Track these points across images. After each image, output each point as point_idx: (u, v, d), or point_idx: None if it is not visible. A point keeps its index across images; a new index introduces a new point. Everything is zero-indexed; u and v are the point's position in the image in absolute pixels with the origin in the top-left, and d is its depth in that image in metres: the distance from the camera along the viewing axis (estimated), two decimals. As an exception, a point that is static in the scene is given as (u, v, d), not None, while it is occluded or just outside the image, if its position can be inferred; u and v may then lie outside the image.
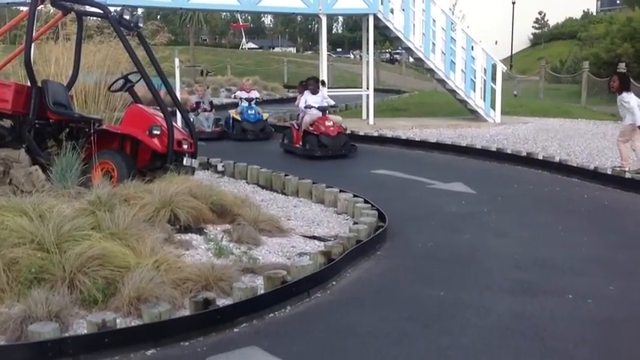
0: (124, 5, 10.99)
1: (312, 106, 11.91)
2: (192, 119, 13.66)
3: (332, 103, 12.53)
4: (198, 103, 14.90)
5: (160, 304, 4.17)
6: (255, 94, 15.25)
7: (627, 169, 9.40)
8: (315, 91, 12.25)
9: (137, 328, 3.98)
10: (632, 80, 16.71)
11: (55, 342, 3.68)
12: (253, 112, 14.50)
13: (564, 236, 6.67)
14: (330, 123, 11.66)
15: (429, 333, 4.32)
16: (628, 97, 9.50)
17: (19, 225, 4.75)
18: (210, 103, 15.19)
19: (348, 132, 12.55)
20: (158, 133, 7.54)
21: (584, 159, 10.77)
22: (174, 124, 7.90)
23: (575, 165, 9.93)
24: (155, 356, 3.86)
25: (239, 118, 14.43)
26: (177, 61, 14.44)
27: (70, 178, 6.41)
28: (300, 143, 11.87)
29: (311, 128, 11.68)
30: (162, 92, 8.72)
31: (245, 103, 14.67)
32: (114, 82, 8.51)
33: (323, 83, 13.07)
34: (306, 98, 12.23)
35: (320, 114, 11.80)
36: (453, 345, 4.14)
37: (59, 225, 4.82)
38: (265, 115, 14.86)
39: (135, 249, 4.88)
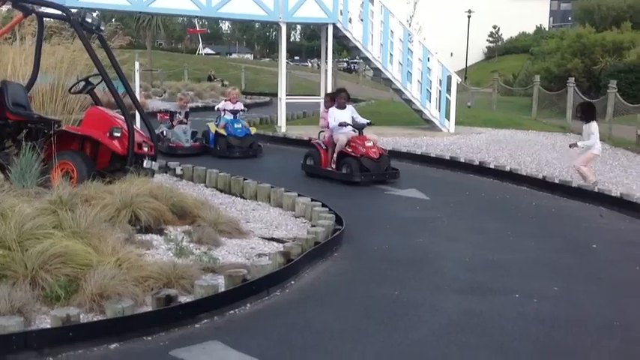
0: (82, 7, 10.98)
1: (347, 124, 10.26)
2: (164, 132, 13.18)
3: (366, 121, 10.56)
4: (172, 114, 13.45)
5: (122, 300, 4.26)
6: (240, 105, 13.43)
7: (595, 181, 9.79)
8: (342, 106, 10.52)
9: (100, 322, 4.06)
10: (581, 95, 17.43)
11: (19, 335, 3.74)
12: (240, 125, 12.82)
13: (513, 241, 6.98)
14: (371, 143, 10.11)
15: (383, 329, 4.52)
16: (594, 128, 9.83)
17: (-21, 223, 4.76)
18: (187, 114, 13.59)
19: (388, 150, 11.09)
20: (119, 135, 7.59)
21: (534, 168, 11.20)
22: (134, 126, 7.95)
23: (524, 174, 10.32)
24: (118, 350, 3.96)
25: (224, 133, 12.67)
26: (137, 64, 14.42)
27: (29, 178, 6.41)
28: (333, 166, 10.23)
29: (348, 149, 10.12)
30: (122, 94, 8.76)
31: (229, 116, 12.91)
32: (75, 84, 8.52)
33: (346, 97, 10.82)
34: (335, 115, 10.36)
35: (355, 132, 10.32)
36: (405, 340, 4.35)
37: (20, 223, 4.86)
38: (253, 130, 13.19)
39: (97, 248, 4.94)
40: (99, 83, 8.12)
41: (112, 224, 5.70)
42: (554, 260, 6.31)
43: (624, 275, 5.95)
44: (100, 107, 8.08)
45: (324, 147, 10.48)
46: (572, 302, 5.16)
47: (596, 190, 9.10)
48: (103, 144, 7.60)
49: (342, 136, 10.17)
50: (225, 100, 13.79)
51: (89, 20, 7.75)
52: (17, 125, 7.78)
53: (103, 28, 8.16)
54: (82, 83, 8.24)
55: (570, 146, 10.46)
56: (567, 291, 5.41)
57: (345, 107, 10.56)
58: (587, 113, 10.07)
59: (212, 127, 13.07)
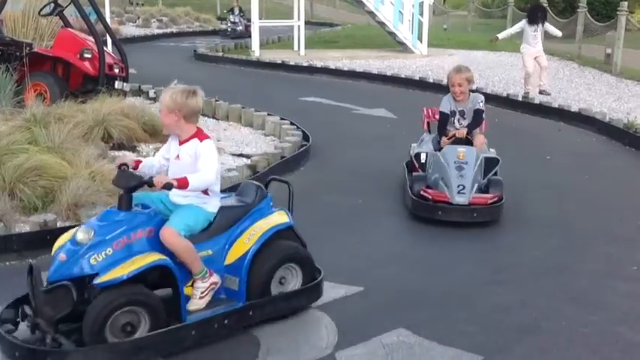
0: None
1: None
2: None
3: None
4: None
5: (96, 208, 4.56)
6: None
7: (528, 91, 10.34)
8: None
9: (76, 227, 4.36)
10: (554, 15, 17.50)
11: (0, 238, 4.04)
12: None
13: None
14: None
15: (343, 232, 4.91)
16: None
17: (-44, 139, 4.99)
18: None
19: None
20: (89, 56, 7.74)
21: (501, 88, 11.45)
22: (105, 49, 8.08)
23: (489, 92, 10.59)
24: (94, 251, 4.27)
25: None
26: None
27: (3, 98, 6.58)
28: None
29: None
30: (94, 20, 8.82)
31: None
32: (44, 6, 8.55)
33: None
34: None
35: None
36: (362, 240, 4.74)
37: (-3, 140, 5.09)
38: None
39: (71, 162, 5.21)
40: (68, 5, 8.18)
41: (85, 141, 5.95)
42: (507, 171, 6.66)
43: (571, 181, 6.36)
44: (70, 29, 8.17)
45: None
46: (517, 206, 5.53)
47: (556, 105, 9.45)
48: (74, 65, 7.74)
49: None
50: None
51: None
52: (-11, 48, 7.86)
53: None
54: (52, 5, 8.28)
55: (491, 41, 11.36)
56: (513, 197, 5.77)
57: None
58: (531, 14, 10.60)
59: None
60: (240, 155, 6.82)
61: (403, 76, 12.33)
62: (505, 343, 3.41)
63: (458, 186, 5.03)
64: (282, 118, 8.06)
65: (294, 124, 7.77)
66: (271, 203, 3.64)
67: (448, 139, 5.46)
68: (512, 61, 15.45)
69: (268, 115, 8.27)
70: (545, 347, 3.38)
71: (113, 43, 9.29)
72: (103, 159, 5.73)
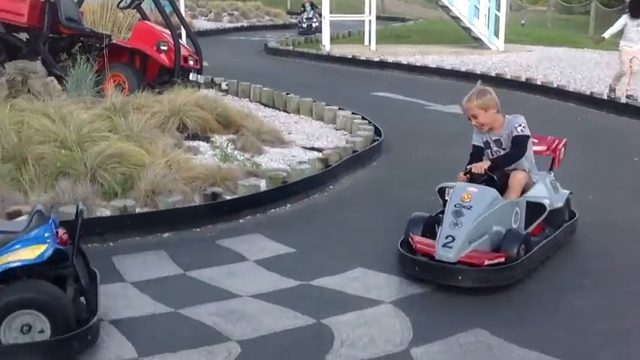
0: None
1: None
2: None
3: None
4: None
5: (173, 195, 4.63)
6: None
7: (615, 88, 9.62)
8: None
9: (154, 213, 4.46)
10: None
11: (83, 221, 4.13)
12: None
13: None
14: None
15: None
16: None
17: (43, 125, 5.18)
18: None
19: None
20: (165, 48, 7.90)
21: (584, 86, 11.01)
22: (180, 41, 8.23)
23: (572, 90, 10.23)
24: (170, 238, 4.36)
25: None
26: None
27: (84, 87, 6.79)
28: None
29: None
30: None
31: None
32: (123, 0, 8.77)
33: None
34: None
35: None
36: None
37: (79, 127, 5.26)
38: None
39: (148, 150, 5.32)
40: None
41: (161, 130, 6.06)
42: (593, 172, 6.40)
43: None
44: (147, 22, 8.35)
45: None
46: (604, 209, 5.29)
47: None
48: (151, 57, 7.91)
49: None
50: None
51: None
52: (71, 39, 8.14)
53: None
54: (130, -1, 8.49)
55: (597, 42, 10.18)
56: (602, 199, 5.53)
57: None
58: (633, 7, 9.45)
59: None
60: (312, 149, 6.81)
61: (478, 72, 12.03)
62: (590, 350, 3.25)
63: (447, 237, 3.81)
64: (353, 113, 8.00)
65: (365, 119, 7.70)
66: (51, 232, 3.01)
67: (464, 175, 4.25)
68: (595, 58, 14.88)
69: (339, 109, 8.22)
70: (632, 355, 3.21)
71: (188, 35, 9.46)
72: (179, 148, 5.82)
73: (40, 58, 7.71)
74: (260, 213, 4.90)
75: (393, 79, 12.24)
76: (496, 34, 15.99)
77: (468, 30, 16.28)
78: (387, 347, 3.20)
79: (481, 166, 4.16)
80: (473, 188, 4.02)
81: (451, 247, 3.77)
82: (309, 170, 5.52)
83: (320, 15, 18.85)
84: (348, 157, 6.14)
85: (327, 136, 7.50)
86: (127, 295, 3.64)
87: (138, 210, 4.53)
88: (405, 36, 18.61)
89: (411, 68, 12.92)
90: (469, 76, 11.85)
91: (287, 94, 9.08)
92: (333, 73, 12.84)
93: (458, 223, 3.84)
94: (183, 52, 8.16)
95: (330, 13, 15.84)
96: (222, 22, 23.58)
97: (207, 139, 6.54)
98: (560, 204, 4.47)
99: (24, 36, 8.25)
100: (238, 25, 22.95)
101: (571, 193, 4.66)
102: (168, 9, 9.02)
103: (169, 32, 8.19)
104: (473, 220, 3.85)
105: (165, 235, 4.39)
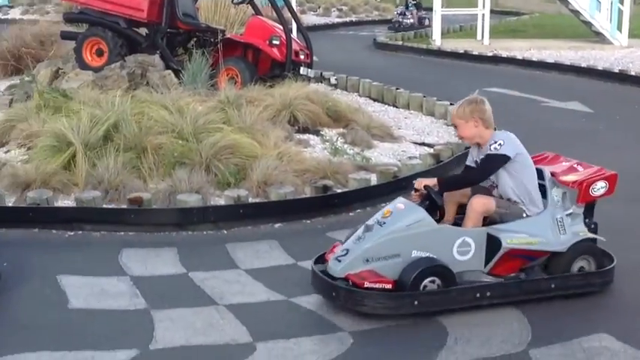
0: None
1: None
2: None
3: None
4: None
5: (284, 187, 4.66)
6: None
7: None
8: None
9: (266, 203, 4.52)
10: None
11: (199, 210, 4.27)
12: None
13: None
14: None
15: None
16: None
17: (161, 117, 5.37)
18: None
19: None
20: (277, 43, 8.01)
21: None
22: (291, 35, 8.32)
23: None
24: (281, 229, 4.40)
25: None
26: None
27: (200, 81, 6.99)
28: None
29: None
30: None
31: None
32: (238, -5, 8.97)
33: None
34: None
35: None
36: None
37: (195, 119, 5.41)
38: None
39: (260, 142, 5.39)
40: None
41: (273, 123, 6.13)
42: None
43: None
44: (260, 17, 8.50)
45: None
46: None
47: None
48: (263, 51, 8.04)
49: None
50: None
51: None
52: (187, 34, 8.42)
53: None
54: (246, -5, 8.66)
55: None
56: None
57: None
58: None
59: None
60: (422, 144, 6.67)
61: (600, 67, 11.42)
62: None
63: (343, 250, 3.42)
64: (466, 108, 7.76)
65: (478, 114, 7.44)
66: None
67: (414, 193, 3.65)
68: None
69: (451, 104, 8.00)
70: None
71: (299, 30, 9.54)
72: (290, 141, 5.87)
73: (158, 52, 8.03)
74: (370, 207, 4.83)
75: (507, 74, 11.81)
76: (619, 28, 15.10)
77: (588, 24, 15.47)
78: (504, 347, 3.09)
79: (421, 182, 3.61)
80: (401, 205, 3.51)
81: (340, 262, 3.37)
82: (420, 165, 5.40)
83: (419, 10, 18.54)
84: (460, 153, 5.95)
85: (437, 132, 7.33)
86: (241, 282, 3.71)
87: (251, 200, 4.59)
88: (520, 30, 17.97)
89: (526, 63, 12.42)
90: (590, 72, 11.28)
91: (397, 89, 8.95)
92: (443, 68, 12.57)
93: (362, 237, 3.43)
94: (295, 46, 8.25)
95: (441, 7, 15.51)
96: (330, 17, 23.67)
97: (317, 133, 6.55)
98: (560, 248, 3.56)
99: (143, 31, 8.60)
100: (347, 19, 22.96)
101: (595, 239, 3.71)
102: (280, 3, 9.14)
103: (281, 27, 8.30)
104: (377, 237, 3.38)
105: (277, 225, 4.43)
